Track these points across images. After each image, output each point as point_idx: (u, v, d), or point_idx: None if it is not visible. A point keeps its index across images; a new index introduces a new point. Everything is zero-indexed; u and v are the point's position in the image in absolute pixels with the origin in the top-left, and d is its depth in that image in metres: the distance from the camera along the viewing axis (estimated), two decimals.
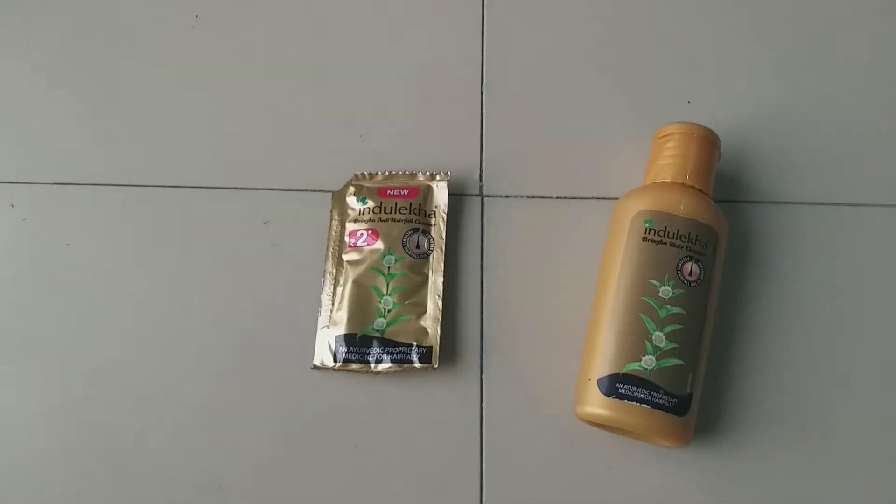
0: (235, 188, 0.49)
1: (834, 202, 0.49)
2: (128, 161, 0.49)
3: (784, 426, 0.45)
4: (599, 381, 0.42)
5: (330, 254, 0.47)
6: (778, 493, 0.44)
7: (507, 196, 0.49)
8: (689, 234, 0.43)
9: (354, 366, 0.45)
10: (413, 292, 0.46)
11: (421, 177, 0.48)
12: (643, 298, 0.42)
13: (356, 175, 0.48)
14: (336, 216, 0.48)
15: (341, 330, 0.45)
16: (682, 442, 0.42)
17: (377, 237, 0.47)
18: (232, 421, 0.45)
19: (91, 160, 0.49)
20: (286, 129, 0.50)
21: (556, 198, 0.49)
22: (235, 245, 0.48)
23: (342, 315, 0.45)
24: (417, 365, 0.44)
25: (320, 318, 0.46)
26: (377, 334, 0.45)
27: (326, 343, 0.45)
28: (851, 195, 0.49)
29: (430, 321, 0.45)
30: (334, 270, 0.47)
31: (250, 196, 0.49)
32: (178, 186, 0.49)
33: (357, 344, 0.45)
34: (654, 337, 0.42)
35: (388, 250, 0.46)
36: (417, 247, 0.47)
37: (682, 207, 0.43)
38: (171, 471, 0.44)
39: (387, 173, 0.49)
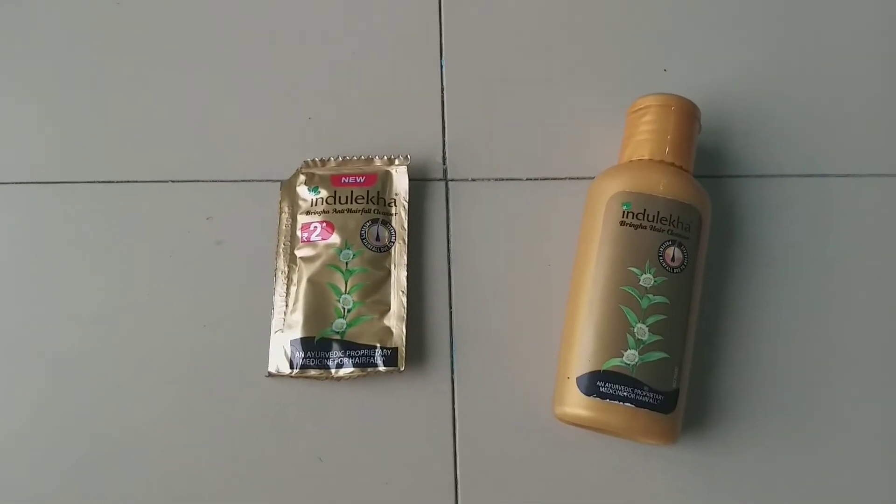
0: (174, 181, 0.46)
1: (821, 173, 0.47)
2: (54, 157, 0.46)
3: (776, 417, 0.43)
4: (579, 380, 0.39)
5: (281, 250, 0.44)
6: (771, 489, 0.43)
7: (474, 179, 0.46)
8: (671, 215, 0.40)
9: (313, 372, 0.42)
10: (374, 289, 0.43)
11: (378, 161, 0.45)
12: (623, 288, 0.40)
13: (306, 162, 0.45)
14: (286, 208, 0.45)
15: (297, 333, 0.42)
16: (669, 440, 0.40)
17: (332, 230, 0.43)
18: (180, 438, 0.42)
19: (12, 157, 0.46)
20: (227, 114, 0.47)
21: (527, 179, 0.46)
22: (176, 244, 0.45)
23: (297, 317, 0.42)
24: (382, 368, 0.42)
25: (273, 322, 0.43)
26: (337, 337, 0.42)
27: (281, 348, 0.42)
28: (839, 165, 0.47)
29: (395, 320, 0.43)
30: (287, 268, 0.44)
31: (190, 189, 0.45)
32: (110, 182, 0.46)
33: (315, 348, 0.42)
34: (635, 329, 0.39)
35: (346, 244, 0.43)
36: (377, 239, 0.43)
37: (661, 187, 0.41)
38: (111, 497, 0.41)
39: (340, 159, 0.45)
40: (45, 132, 0.46)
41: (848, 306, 0.45)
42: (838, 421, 0.43)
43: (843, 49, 0.48)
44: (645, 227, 0.40)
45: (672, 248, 0.40)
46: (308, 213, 0.44)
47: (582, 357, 0.39)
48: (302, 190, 0.44)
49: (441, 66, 0.47)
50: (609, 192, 0.41)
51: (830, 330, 0.44)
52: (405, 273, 0.43)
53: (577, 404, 0.39)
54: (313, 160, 0.45)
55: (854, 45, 0.49)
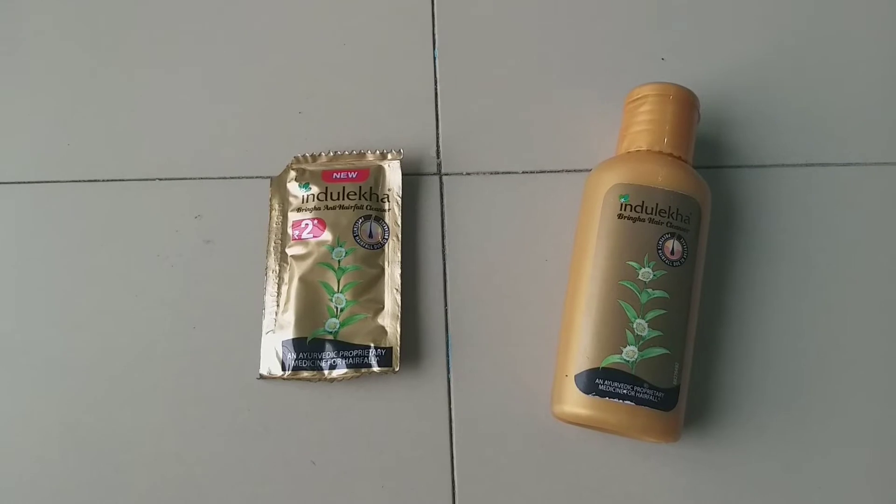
0: (161, 179, 0.45)
1: (824, 162, 0.46)
2: (38, 156, 0.45)
3: (779, 413, 0.42)
4: (577, 378, 0.38)
5: (272, 248, 0.43)
6: (775, 486, 0.42)
7: (468, 173, 0.45)
8: (670, 207, 0.39)
9: (306, 373, 0.41)
10: (368, 287, 0.42)
11: (370, 156, 0.44)
12: (621, 283, 0.39)
13: (296, 157, 0.44)
14: (276, 205, 0.44)
15: (289, 334, 0.41)
16: (671, 438, 0.39)
17: (324, 227, 0.42)
18: (169, 443, 0.41)
19: None
20: (215, 109, 0.46)
21: (522, 172, 0.45)
22: (164, 243, 0.44)
23: (289, 317, 0.41)
24: (377, 369, 0.41)
25: (265, 322, 0.42)
26: (330, 337, 0.41)
27: (273, 349, 0.42)
28: (842, 154, 0.46)
29: (389, 319, 0.42)
30: (277, 267, 0.43)
31: (178, 187, 0.44)
32: (95, 181, 0.45)
33: (307, 349, 0.41)
34: (635, 325, 0.38)
35: (338, 241, 0.42)
36: (370, 236, 0.43)
37: (660, 179, 0.40)
38: (100, 502, 0.40)
39: (331, 154, 0.44)
40: (29, 130, 0.45)
41: (851, 298, 0.44)
42: (842, 417, 0.42)
43: (844, 36, 0.47)
44: (643, 220, 0.39)
45: (671, 240, 0.39)
46: (299, 210, 0.43)
47: (580, 354, 0.39)
48: (292, 186, 0.43)
49: (434, 57, 0.46)
50: (606, 185, 0.40)
51: (834, 323, 0.43)
52: (399, 270, 0.42)
53: (575, 403, 0.38)
54: (304, 156, 0.44)
55: (855, 31, 0.47)
